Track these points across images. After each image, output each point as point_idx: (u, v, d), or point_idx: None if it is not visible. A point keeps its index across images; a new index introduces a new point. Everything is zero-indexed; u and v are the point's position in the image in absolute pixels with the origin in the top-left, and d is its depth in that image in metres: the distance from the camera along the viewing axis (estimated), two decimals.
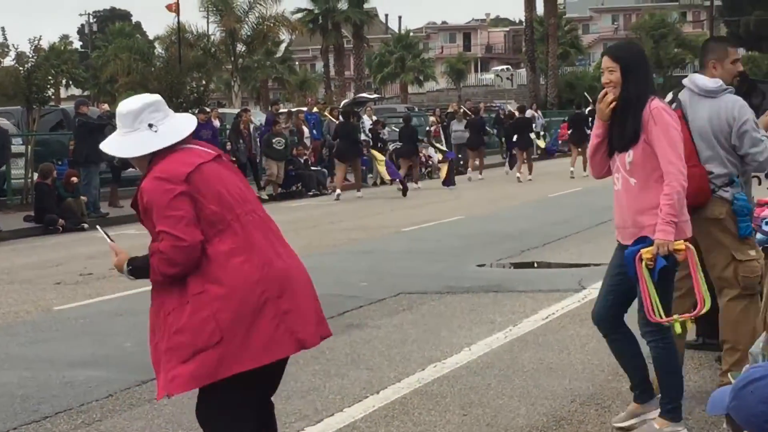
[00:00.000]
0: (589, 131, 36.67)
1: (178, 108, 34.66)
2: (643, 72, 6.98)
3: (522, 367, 9.25)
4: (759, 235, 10.37)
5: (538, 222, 21.27)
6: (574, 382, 8.67)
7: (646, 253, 6.72)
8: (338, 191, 30.86)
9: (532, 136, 39.21)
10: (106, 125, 24.90)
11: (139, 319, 11.87)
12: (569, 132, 38.27)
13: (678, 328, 6.86)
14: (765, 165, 7.97)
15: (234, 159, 30.04)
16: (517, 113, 41.44)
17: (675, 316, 6.86)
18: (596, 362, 9.32)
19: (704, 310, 6.95)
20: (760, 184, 11.27)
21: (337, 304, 12.49)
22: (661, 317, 6.84)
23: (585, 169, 34.15)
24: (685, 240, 6.82)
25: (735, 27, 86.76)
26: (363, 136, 33.71)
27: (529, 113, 44.69)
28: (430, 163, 38.92)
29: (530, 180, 34.78)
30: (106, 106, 31.02)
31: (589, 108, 37.86)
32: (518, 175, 35.35)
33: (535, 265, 15.99)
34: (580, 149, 34.37)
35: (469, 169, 37.69)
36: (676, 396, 7.04)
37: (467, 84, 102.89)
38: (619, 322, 7.27)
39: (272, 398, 5.57)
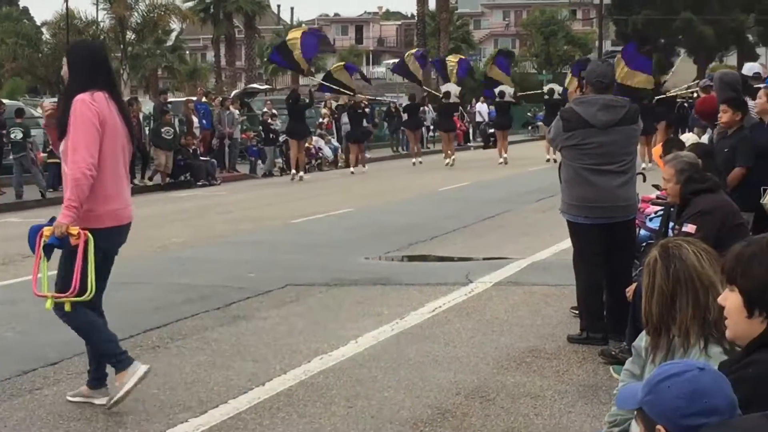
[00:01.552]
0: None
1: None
2: (78, 69, 7.59)
3: (408, 359, 9.28)
4: (642, 232, 10.55)
5: (427, 215, 21.36)
6: (459, 375, 8.72)
7: (47, 230, 7.33)
8: (293, 171, 32.95)
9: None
10: None
11: (19, 308, 11.69)
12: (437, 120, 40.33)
13: (49, 305, 7.51)
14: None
15: None
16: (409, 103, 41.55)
17: (49, 294, 7.47)
18: (481, 355, 9.39)
19: (85, 297, 7.49)
20: (644, 181, 11.48)
21: (224, 296, 12.42)
22: (44, 293, 7.48)
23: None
24: (87, 229, 7.38)
25: (624, 26, 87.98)
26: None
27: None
28: (320, 155, 38.87)
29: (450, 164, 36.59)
30: None
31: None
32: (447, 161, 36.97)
33: (423, 258, 16.05)
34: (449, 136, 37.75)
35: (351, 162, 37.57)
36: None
37: (359, 77, 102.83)
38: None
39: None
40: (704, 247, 4.50)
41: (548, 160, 35.15)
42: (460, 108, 45.13)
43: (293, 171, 33.36)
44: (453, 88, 37.88)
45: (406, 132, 41.83)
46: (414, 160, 38.07)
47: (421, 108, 43.59)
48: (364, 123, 37.72)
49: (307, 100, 34.36)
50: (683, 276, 4.35)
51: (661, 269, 4.40)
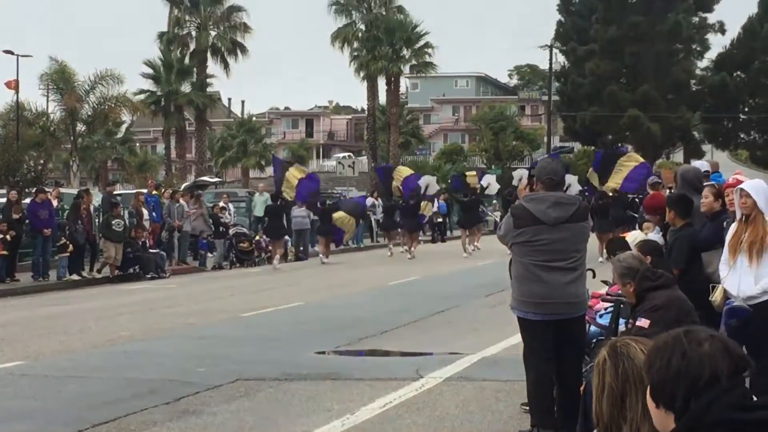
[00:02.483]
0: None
1: (14, 187, 34.07)
2: None
3: None
4: (592, 328, 10.61)
5: (377, 310, 21.36)
6: None
7: None
8: (276, 264, 34.12)
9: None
10: None
11: None
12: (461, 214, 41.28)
13: None
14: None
15: (71, 240, 29.64)
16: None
17: None
18: None
19: None
20: (594, 277, 11.58)
21: (173, 390, 12.33)
22: None
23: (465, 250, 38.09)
24: None
25: (572, 122, 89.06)
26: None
27: (369, 200, 45.80)
28: (270, 248, 38.83)
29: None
30: None
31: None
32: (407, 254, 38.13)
33: (373, 352, 16.03)
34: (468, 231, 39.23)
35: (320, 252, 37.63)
36: None
37: (309, 170, 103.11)
38: None
39: None
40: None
41: (465, 256, 37.36)
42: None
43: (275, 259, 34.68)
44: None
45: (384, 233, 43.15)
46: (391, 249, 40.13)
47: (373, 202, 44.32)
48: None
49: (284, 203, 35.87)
50: (632, 375, 4.39)
51: (610, 369, 4.44)
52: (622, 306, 9.66)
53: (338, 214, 37.07)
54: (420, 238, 43.99)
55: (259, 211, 41.64)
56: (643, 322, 7.93)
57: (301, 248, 39.38)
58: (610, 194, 33.20)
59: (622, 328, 9.73)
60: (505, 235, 9.85)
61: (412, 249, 38.43)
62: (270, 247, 37.39)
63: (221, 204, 38.59)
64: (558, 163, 10.49)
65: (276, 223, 35.45)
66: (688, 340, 3.41)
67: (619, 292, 9.99)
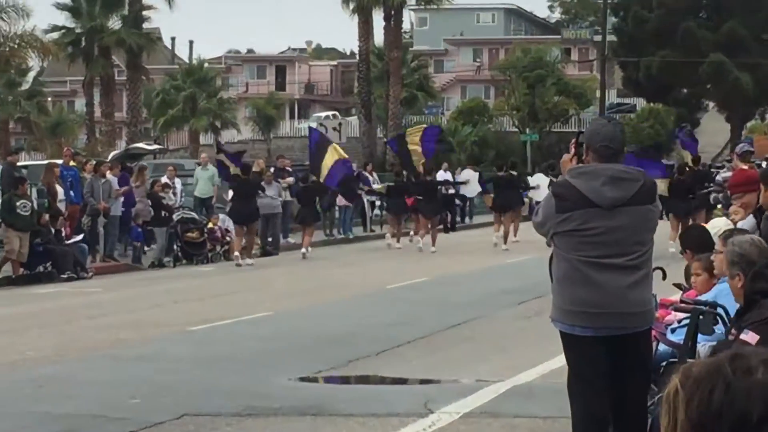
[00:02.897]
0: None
1: None
2: None
3: None
4: (661, 347, 10.61)
5: (372, 322, 21.39)
6: None
7: None
8: (242, 259, 34.53)
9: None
10: None
11: None
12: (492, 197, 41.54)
13: None
14: None
15: None
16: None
17: None
18: None
19: None
20: (664, 279, 11.58)
21: (98, 429, 12.36)
22: None
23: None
24: None
25: (633, 71, 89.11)
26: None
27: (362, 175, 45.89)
28: (228, 239, 38.83)
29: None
30: None
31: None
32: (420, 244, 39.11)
33: (367, 380, 16.06)
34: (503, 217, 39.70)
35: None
36: None
37: (280, 134, 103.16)
38: None
39: None
40: None
41: (495, 245, 38.54)
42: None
43: (236, 254, 34.81)
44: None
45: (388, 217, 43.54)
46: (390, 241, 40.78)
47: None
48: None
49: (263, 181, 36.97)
50: None
51: (684, 402, 4.44)
52: (701, 317, 9.66)
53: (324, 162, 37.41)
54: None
55: (201, 190, 41.52)
56: (750, 337, 7.90)
57: (270, 239, 39.36)
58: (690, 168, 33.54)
59: (701, 348, 9.74)
60: (544, 223, 9.80)
61: (430, 238, 39.29)
62: (228, 238, 37.49)
63: (163, 180, 38.54)
64: (616, 126, 10.45)
65: (309, 208, 38.28)
66: (734, 367, 3.35)
67: (698, 298, 9.99)
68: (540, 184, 41.82)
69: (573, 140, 9.89)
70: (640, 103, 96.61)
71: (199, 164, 43.96)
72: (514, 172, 42.10)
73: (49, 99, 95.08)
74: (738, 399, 3.31)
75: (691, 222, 29.55)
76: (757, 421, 3.28)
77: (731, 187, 14.52)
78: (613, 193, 9.42)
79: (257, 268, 34.54)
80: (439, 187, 43.83)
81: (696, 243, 11.50)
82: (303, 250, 36.84)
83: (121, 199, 35.80)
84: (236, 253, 34.59)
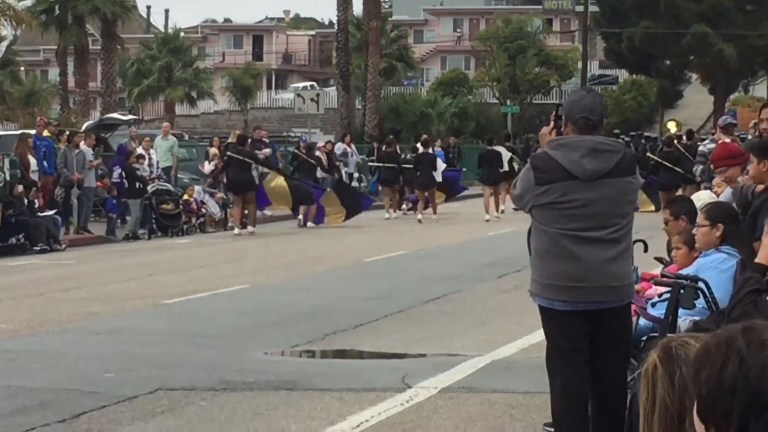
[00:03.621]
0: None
1: None
2: None
3: None
4: (642, 322, 10.62)
5: (349, 295, 21.38)
6: None
7: None
8: (236, 229, 35.32)
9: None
10: None
11: None
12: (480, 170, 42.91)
13: None
14: None
15: None
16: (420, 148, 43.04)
17: None
18: None
19: None
20: (645, 251, 11.59)
21: (71, 403, 12.33)
22: None
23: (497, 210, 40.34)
24: None
25: (616, 42, 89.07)
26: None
27: (341, 147, 45.83)
28: (203, 211, 38.73)
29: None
30: None
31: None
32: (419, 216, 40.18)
33: (344, 354, 16.06)
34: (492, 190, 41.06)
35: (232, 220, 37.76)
36: None
37: (257, 105, 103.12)
38: None
39: None
40: None
41: (488, 220, 39.15)
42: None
43: (236, 227, 35.60)
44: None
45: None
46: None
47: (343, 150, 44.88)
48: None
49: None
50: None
51: (663, 377, 4.40)
52: (682, 291, 9.66)
53: (276, 183, 37.64)
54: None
55: (160, 160, 41.12)
56: None
57: (246, 211, 39.21)
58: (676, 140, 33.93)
59: (682, 322, 9.75)
60: (523, 195, 9.76)
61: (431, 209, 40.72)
62: (204, 210, 37.45)
63: (139, 150, 38.42)
64: (596, 97, 10.42)
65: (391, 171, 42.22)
66: (747, 340, 3.28)
67: (679, 272, 10.01)
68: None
69: (553, 112, 9.85)
70: (623, 74, 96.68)
71: (160, 136, 43.83)
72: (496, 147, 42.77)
73: (22, 68, 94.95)
74: (753, 374, 3.23)
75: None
76: None
77: (714, 161, 14.47)
78: (593, 165, 9.38)
79: (234, 240, 34.49)
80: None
81: (683, 212, 11.52)
82: (393, 212, 41.28)
83: (95, 170, 35.73)
84: (236, 226, 35.35)
